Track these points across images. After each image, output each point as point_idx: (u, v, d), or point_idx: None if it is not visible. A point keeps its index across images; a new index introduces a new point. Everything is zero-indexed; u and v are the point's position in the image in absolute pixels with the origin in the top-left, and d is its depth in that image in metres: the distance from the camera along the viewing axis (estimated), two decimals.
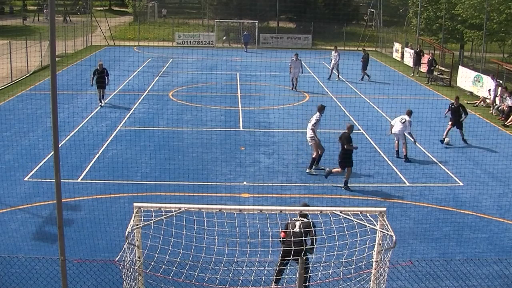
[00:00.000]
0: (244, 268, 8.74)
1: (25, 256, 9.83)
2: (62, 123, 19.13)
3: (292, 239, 8.82)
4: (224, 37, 47.74)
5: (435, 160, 17.21)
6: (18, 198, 13.37)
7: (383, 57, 43.21)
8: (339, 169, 14.66)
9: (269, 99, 25.17)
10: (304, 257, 7.43)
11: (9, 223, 12.01)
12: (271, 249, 8.93)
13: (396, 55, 41.80)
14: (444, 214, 13.24)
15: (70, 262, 8.85)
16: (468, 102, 26.49)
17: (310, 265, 9.04)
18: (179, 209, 7.72)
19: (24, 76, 28.89)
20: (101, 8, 60.07)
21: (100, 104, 22.89)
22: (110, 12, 65.81)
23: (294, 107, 24.18)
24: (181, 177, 14.84)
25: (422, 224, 12.60)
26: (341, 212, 7.92)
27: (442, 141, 18.79)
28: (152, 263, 8.33)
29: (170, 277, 8.28)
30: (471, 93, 28.32)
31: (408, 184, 15.19)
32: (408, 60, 37.77)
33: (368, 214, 7.85)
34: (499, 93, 24.62)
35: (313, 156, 15.62)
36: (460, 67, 31.13)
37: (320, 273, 8.99)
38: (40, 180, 14.51)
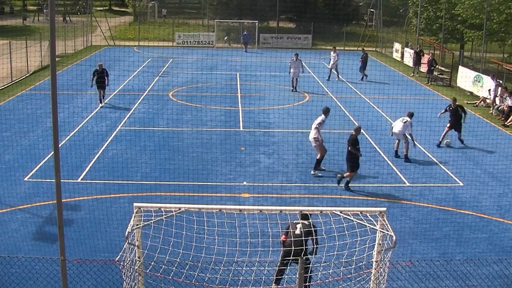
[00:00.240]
0: (244, 268, 8.74)
1: (25, 256, 9.82)
2: (62, 123, 19.12)
3: (292, 239, 8.83)
4: (226, 37, 47.75)
5: (435, 160, 17.21)
6: (18, 198, 13.37)
7: (383, 57, 43.22)
8: (347, 173, 14.49)
9: (269, 99, 25.17)
10: (304, 257, 7.43)
11: (9, 223, 12.01)
12: (271, 249, 8.93)
13: (396, 55, 41.80)
14: (444, 214, 13.24)
15: (70, 262, 8.85)
16: (468, 102, 26.50)
17: (311, 265, 9.03)
18: (179, 209, 7.72)
19: (24, 76, 28.89)
20: (101, 8, 60.07)
21: (100, 104, 22.89)
22: (110, 12, 65.82)
23: (294, 107, 24.18)
24: (181, 177, 14.84)
25: (422, 224, 12.60)
26: (341, 212, 7.92)
27: (438, 145, 18.53)
28: (152, 263, 8.33)
29: (170, 277, 8.28)
30: (471, 93, 28.32)
31: (408, 184, 15.19)
32: (408, 60, 37.78)
33: (368, 214, 7.85)
34: (499, 93, 24.61)
35: (317, 157, 15.56)
36: (460, 67, 31.13)
37: (320, 273, 8.99)
38: (40, 180, 14.51)
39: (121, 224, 11.50)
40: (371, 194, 14.41)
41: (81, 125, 20.13)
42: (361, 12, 62.04)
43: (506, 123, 22.29)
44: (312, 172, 15.50)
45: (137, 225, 7.66)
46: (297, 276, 7.18)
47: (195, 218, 8.58)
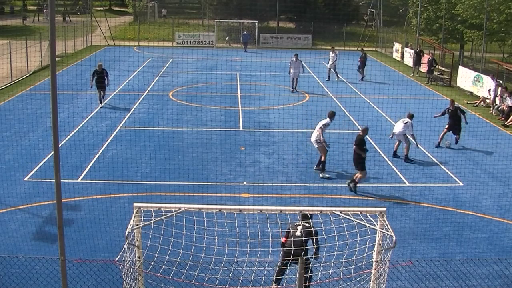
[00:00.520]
0: (244, 268, 8.74)
1: (25, 256, 9.82)
2: (62, 123, 19.13)
3: (292, 239, 8.83)
4: (227, 37, 47.77)
5: (435, 160, 17.21)
6: (18, 198, 13.37)
7: (383, 57, 43.23)
8: (358, 174, 14.36)
9: (269, 99, 25.17)
10: (304, 257, 7.43)
11: (9, 223, 12.01)
12: (271, 249, 8.93)
13: (396, 55, 41.81)
14: (444, 214, 13.24)
15: (70, 262, 8.85)
16: (468, 102, 26.52)
17: (311, 265, 9.03)
18: (179, 209, 7.72)
19: (24, 76, 28.90)
20: (101, 8, 60.09)
21: (100, 105, 22.88)
22: (110, 12, 65.84)
23: (294, 107, 24.18)
24: (181, 177, 14.84)
25: (422, 224, 12.60)
26: (341, 212, 7.91)
27: (437, 146, 18.45)
28: (152, 263, 8.33)
29: (170, 277, 8.28)
30: (471, 93, 28.32)
31: (408, 184, 15.19)
32: (408, 60, 37.78)
33: (368, 214, 7.85)
34: (499, 93, 24.61)
35: (322, 159, 15.49)
36: (460, 67, 31.12)
37: (320, 273, 8.99)
38: (40, 180, 14.51)
39: (121, 224, 11.50)
40: (371, 194, 14.41)
41: (81, 125, 20.13)
42: (361, 12, 62.05)
43: (506, 123, 22.29)
44: (320, 175, 15.38)
45: (137, 225, 7.66)
46: (297, 276, 7.18)
47: (195, 218, 8.58)
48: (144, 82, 28.77)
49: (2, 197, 13.38)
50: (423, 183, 15.25)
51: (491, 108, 24.66)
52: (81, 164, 15.83)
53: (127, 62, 34.11)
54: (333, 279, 9.11)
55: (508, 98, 23.27)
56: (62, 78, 27.64)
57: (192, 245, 8.46)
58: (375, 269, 8.00)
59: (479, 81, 27.77)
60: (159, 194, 13.89)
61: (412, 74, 34.13)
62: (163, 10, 63.26)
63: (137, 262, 7.86)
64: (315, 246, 8.87)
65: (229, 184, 14.77)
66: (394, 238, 7.57)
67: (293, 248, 8.58)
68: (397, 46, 42.29)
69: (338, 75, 30.78)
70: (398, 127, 16.96)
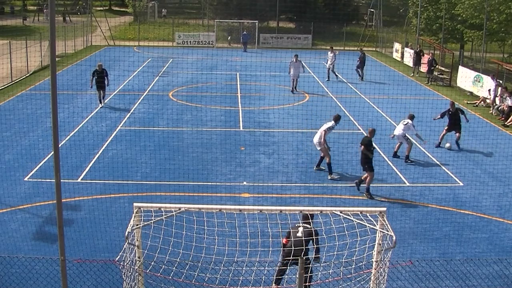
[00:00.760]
0: (244, 268, 8.74)
1: (25, 256, 9.82)
2: (62, 123, 19.13)
3: (292, 239, 8.83)
4: (229, 37, 47.79)
5: (435, 160, 17.21)
6: (18, 198, 13.37)
7: (383, 57, 43.23)
8: (368, 178, 14.21)
9: (269, 99, 25.17)
10: (304, 257, 7.43)
11: (9, 223, 12.01)
12: (271, 249, 8.93)
13: (396, 55, 41.81)
14: (444, 214, 13.24)
15: (70, 262, 8.86)
16: (468, 102, 26.52)
17: (311, 265, 9.03)
18: (179, 209, 7.72)
19: (24, 76, 28.90)
20: (101, 8, 60.09)
21: (100, 105, 22.88)
22: (110, 12, 65.85)
23: (294, 107, 24.18)
24: (181, 177, 14.84)
25: (422, 224, 12.60)
26: (341, 212, 7.91)
27: (437, 146, 18.41)
28: (152, 263, 8.33)
29: (170, 277, 8.28)
30: (471, 93, 28.32)
31: (408, 184, 15.19)
32: (408, 60, 37.78)
33: (368, 214, 7.85)
34: (499, 93, 24.61)
35: (327, 161, 15.44)
36: (460, 67, 31.13)
37: (320, 273, 8.99)
38: (40, 180, 14.51)
39: (121, 224, 11.50)
40: (371, 194, 14.39)
41: (81, 125, 20.14)
42: (361, 12, 62.08)
43: (506, 123, 22.29)
44: (329, 177, 15.36)
45: (137, 225, 7.66)
46: (297, 276, 7.18)
47: (195, 218, 8.58)
48: (144, 82, 28.77)
49: (2, 197, 13.39)
50: (423, 183, 15.25)
51: (491, 108, 24.66)
52: (81, 164, 15.83)
53: (127, 62, 34.11)
54: (333, 279, 9.11)
55: (508, 98, 23.28)
56: (62, 78, 27.64)
57: (192, 245, 8.46)
58: (375, 269, 8.00)
59: (479, 81, 27.78)
60: (159, 194, 13.89)
61: (412, 74, 34.13)
62: (163, 10, 63.27)
63: (137, 262, 7.86)
64: (315, 246, 8.87)
65: (229, 184, 14.77)
66: (394, 238, 7.57)
67: (293, 248, 8.57)
68: (397, 46, 42.29)
69: (337, 74, 30.78)
70: (399, 129, 16.97)
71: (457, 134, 18.47)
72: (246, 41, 43.92)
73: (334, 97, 26.24)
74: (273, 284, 9.34)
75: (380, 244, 7.86)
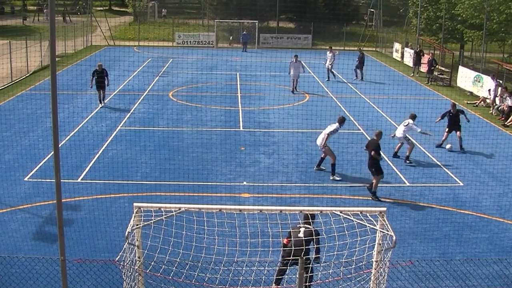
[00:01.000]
0: (244, 268, 8.75)
1: (25, 256, 9.83)
2: (62, 123, 19.13)
3: (293, 239, 8.83)
4: (231, 37, 47.80)
5: (435, 160, 17.21)
6: (18, 198, 13.37)
7: (383, 57, 43.23)
8: (374, 181, 14.10)
9: (269, 99, 25.17)
10: (304, 257, 7.43)
11: (9, 223, 12.01)
12: (271, 249, 8.93)
13: (396, 55, 41.81)
14: (444, 214, 13.24)
15: (70, 262, 8.85)
16: (468, 102, 26.52)
17: (311, 265, 9.03)
18: (179, 209, 7.72)
19: (24, 76, 28.90)
20: (101, 8, 60.09)
21: (100, 105, 22.88)
22: (110, 12, 65.84)
23: (294, 107, 24.18)
24: (181, 177, 14.84)
25: (422, 224, 12.60)
26: (341, 212, 7.92)
27: (438, 146, 18.36)
28: (152, 263, 8.33)
29: (170, 277, 8.28)
30: (471, 93, 28.32)
31: (408, 184, 15.19)
32: (408, 60, 37.78)
33: (368, 214, 7.85)
34: (499, 93, 24.61)
35: (332, 162, 15.42)
36: (460, 67, 31.13)
37: (320, 273, 8.99)
38: (40, 180, 14.51)
39: (121, 224, 11.50)
40: (371, 194, 14.39)
41: (81, 125, 20.14)
42: (361, 12, 62.07)
43: (506, 123, 22.29)
44: (331, 178, 15.34)
45: (137, 225, 7.66)
46: (297, 276, 7.18)
47: (195, 218, 8.58)
48: (144, 82, 28.77)
49: (2, 197, 13.39)
50: (423, 183, 15.25)
51: (491, 108, 24.66)
52: (81, 164, 15.83)
53: (127, 62, 34.11)
54: (333, 279, 9.11)
55: (508, 98, 23.27)
56: (62, 78, 27.64)
57: (192, 245, 8.46)
58: (375, 269, 8.00)
59: (479, 81, 27.77)
60: (159, 194, 13.89)
61: (412, 74, 34.13)
62: (163, 10, 63.27)
63: (137, 262, 7.86)
64: (315, 246, 8.88)
65: (229, 184, 14.77)
66: (394, 238, 7.57)
67: (293, 248, 8.57)
68: (397, 46, 42.29)
69: (334, 74, 30.78)
70: (400, 130, 16.94)
71: (458, 133, 18.45)
72: (246, 41, 43.92)
73: (334, 97, 26.23)
74: (273, 284, 9.34)
75: (380, 244, 7.86)
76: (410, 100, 24.52)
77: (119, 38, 47.61)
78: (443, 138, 18.51)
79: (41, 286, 9.38)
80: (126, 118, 21.36)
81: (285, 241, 9.12)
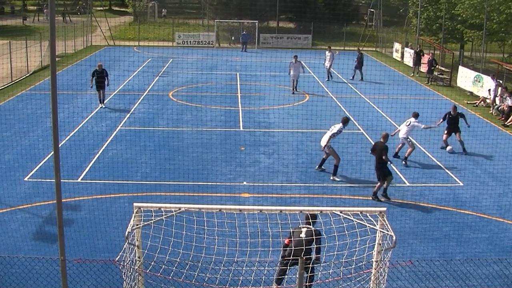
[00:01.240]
0: (244, 268, 8.74)
1: (25, 256, 9.83)
2: (62, 123, 19.13)
3: (293, 240, 8.83)
4: (233, 37, 47.79)
5: (435, 160, 17.21)
6: (18, 198, 13.37)
7: (383, 57, 43.23)
8: (378, 183, 14.08)
9: (269, 99, 25.17)
10: (304, 257, 7.43)
11: (9, 223, 12.01)
12: (271, 249, 8.93)
13: (396, 55, 41.80)
14: (444, 214, 13.24)
15: (70, 262, 8.86)
16: (468, 102, 26.52)
17: (312, 266, 9.03)
18: (179, 209, 7.72)
19: (24, 76, 28.90)
20: (101, 8, 60.06)
21: (100, 105, 22.87)
22: (110, 12, 65.84)
23: (294, 107, 24.18)
24: (181, 177, 14.84)
25: (422, 224, 12.60)
26: (341, 212, 7.92)
27: (442, 148, 18.39)
28: (152, 263, 8.33)
29: (170, 277, 8.28)
30: (471, 93, 28.32)
31: (408, 184, 15.19)
32: (408, 60, 37.78)
33: (368, 214, 7.86)
34: (499, 93, 24.61)
35: (335, 163, 15.34)
36: (460, 67, 31.12)
37: (320, 273, 8.99)
38: (40, 180, 14.51)
39: (121, 224, 11.50)
40: (371, 194, 14.39)
41: (81, 125, 20.13)
42: (361, 12, 62.05)
43: (506, 123, 22.29)
44: (331, 178, 15.31)
45: (137, 225, 7.66)
46: (297, 276, 7.18)
47: (195, 218, 8.58)
48: (144, 82, 28.77)
49: (2, 197, 13.39)
50: (423, 183, 15.25)
51: (491, 108, 24.66)
52: (81, 164, 15.83)
53: (127, 62, 34.11)
54: (333, 279, 9.11)
55: (508, 98, 23.27)
56: (62, 78, 27.64)
57: (192, 245, 8.46)
58: (375, 269, 8.00)
59: (479, 81, 27.77)
60: (159, 194, 13.89)
61: (412, 74, 34.13)
62: (163, 10, 63.25)
63: (137, 262, 7.86)
64: (315, 246, 8.88)
65: (229, 184, 14.77)
66: (394, 238, 7.57)
67: (293, 248, 8.58)
68: (397, 46, 42.29)
69: (331, 74, 30.79)
70: (402, 131, 16.91)
71: (458, 136, 18.41)
72: (246, 41, 43.92)
73: (334, 97, 26.23)
74: (274, 284, 9.34)
75: (380, 244, 7.86)
76: (410, 100, 24.52)
77: (119, 38, 47.61)
78: (444, 139, 18.50)
79: (41, 286, 9.38)
80: (126, 118, 21.36)
81: (286, 241, 9.12)
